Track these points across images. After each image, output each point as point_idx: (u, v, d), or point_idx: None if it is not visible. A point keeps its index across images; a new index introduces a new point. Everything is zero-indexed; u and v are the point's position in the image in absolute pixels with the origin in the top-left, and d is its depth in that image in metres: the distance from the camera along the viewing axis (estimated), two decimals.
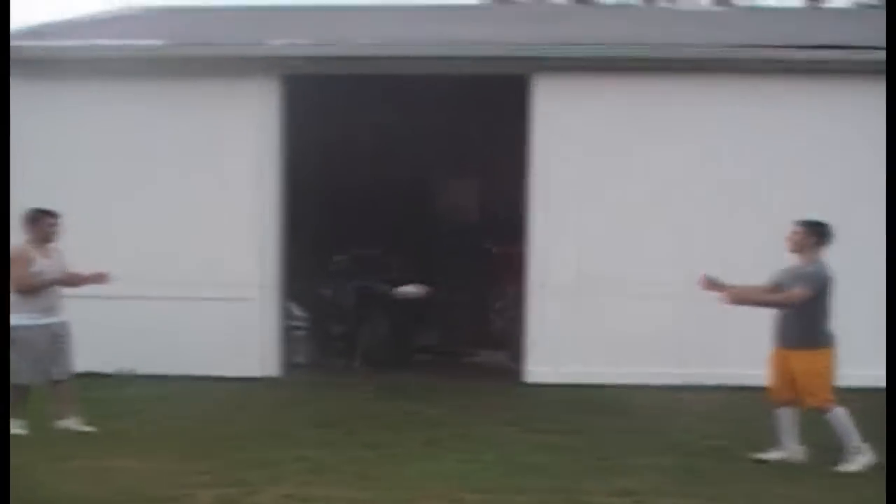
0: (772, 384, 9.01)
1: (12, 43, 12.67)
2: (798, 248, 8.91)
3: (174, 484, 7.87)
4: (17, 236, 9.89)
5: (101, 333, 11.44)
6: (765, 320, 9.02)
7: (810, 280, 8.67)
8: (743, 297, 9.02)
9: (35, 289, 9.61)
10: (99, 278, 9.90)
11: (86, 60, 13.21)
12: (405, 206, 17.03)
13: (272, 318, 13.43)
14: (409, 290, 14.70)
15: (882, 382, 9.51)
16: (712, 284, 8.97)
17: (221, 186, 13.21)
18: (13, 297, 9.63)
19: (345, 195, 16.47)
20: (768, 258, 9.23)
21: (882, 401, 8.90)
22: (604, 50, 13.20)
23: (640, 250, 12.88)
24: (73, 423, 9.78)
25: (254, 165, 13.25)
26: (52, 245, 9.87)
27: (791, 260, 8.96)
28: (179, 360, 12.65)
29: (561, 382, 12.49)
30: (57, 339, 9.81)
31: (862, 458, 8.58)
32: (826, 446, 8.70)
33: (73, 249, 10.02)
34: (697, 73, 13.00)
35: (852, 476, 8.38)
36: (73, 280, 9.92)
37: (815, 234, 8.90)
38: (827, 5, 24.63)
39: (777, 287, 8.95)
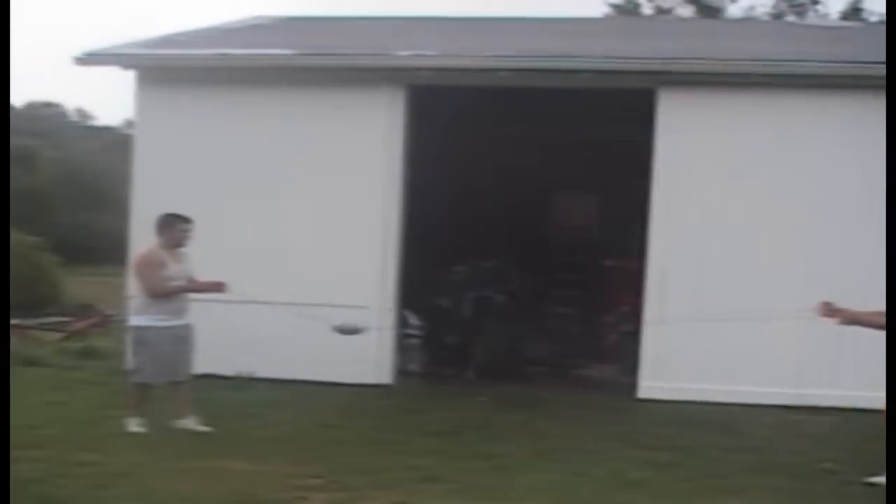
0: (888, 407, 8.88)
1: (146, 51, 13.09)
2: None
3: (286, 486, 8.02)
4: (148, 240, 10.17)
5: (222, 337, 11.66)
6: (884, 342, 8.90)
7: None
8: (856, 320, 8.91)
9: (164, 294, 9.89)
10: (217, 287, 10.17)
11: (216, 69, 13.52)
12: (525, 218, 17.09)
13: (389, 326, 13.56)
14: None
15: None
16: (828, 310, 8.86)
17: (345, 194, 13.36)
18: (142, 299, 9.93)
19: (466, 206, 16.58)
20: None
21: None
22: (729, 65, 13.06)
23: (760, 270, 12.73)
24: (190, 424, 10.00)
25: (378, 175, 13.38)
26: (182, 250, 10.13)
27: None
28: (297, 366, 12.89)
29: (674, 399, 12.41)
30: (181, 341, 10.07)
31: None
32: None
33: (200, 256, 10.28)
34: (822, 90, 12.81)
35: None
36: (195, 287, 10.19)
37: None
38: None
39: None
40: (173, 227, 10.04)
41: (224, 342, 11.88)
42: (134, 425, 9.86)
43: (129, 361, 10.33)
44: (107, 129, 49.28)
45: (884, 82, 11.89)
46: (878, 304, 8.98)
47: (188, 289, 10.13)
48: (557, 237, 17.84)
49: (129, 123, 15.40)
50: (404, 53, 13.58)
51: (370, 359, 13.27)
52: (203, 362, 10.46)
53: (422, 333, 14.56)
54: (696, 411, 11.90)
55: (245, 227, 13.24)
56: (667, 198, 12.95)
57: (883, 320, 8.84)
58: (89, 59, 13.71)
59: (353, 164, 13.41)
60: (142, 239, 10.83)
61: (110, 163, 33.56)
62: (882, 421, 8.85)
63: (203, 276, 10.20)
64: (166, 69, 13.60)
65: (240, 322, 12.19)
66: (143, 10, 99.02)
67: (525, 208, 17.21)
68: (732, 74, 12.97)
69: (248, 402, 11.69)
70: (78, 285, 24.56)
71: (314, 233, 13.37)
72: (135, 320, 10.10)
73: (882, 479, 8.71)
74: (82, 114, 70.60)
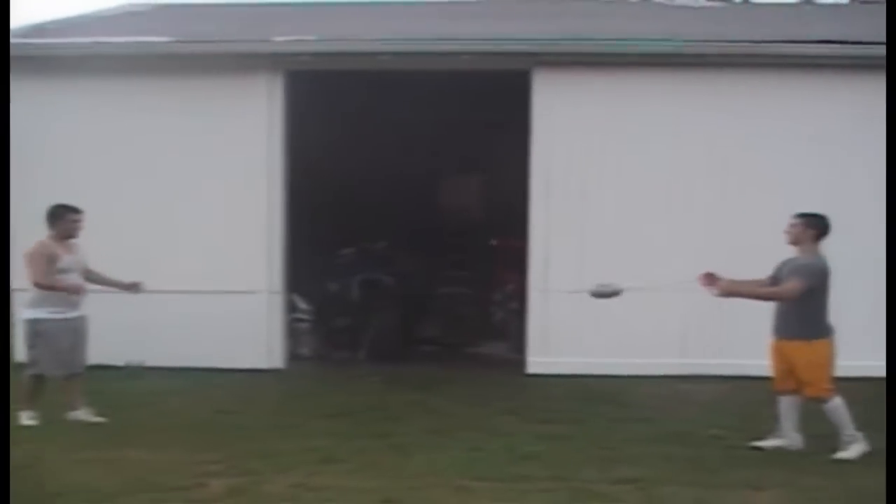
0: (774, 374, 9.15)
1: (16, 40, 12.82)
2: (797, 240, 9.02)
3: (185, 474, 8.03)
4: (37, 233, 10.03)
5: (110, 326, 11.52)
6: (767, 311, 9.18)
7: (805, 273, 8.79)
8: (735, 291, 9.12)
9: (51, 289, 9.77)
10: (132, 287, 10.25)
11: (91, 57, 13.26)
12: (410, 200, 17.18)
13: (278, 311, 13.58)
14: None
15: (878, 372, 9.71)
16: (710, 279, 9.06)
17: (228, 181, 13.31)
18: (35, 292, 9.80)
19: (350, 190, 16.61)
20: (772, 251, 9.34)
21: (877, 389, 9.09)
22: (603, 45, 13.25)
23: (641, 244, 12.97)
24: (84, 415, 9.94)
25: (260, 160, 13.36)
26: (74, 241, 10.03)
27: (791, 252, 9.10)
28: (187, 353, 12.82)
29: (563, 373, 12.63)
30: (77, 333, 10.00)
31: (857, 446, 8.74)
32: (826, 435, 8.86)
33: (86, 247, 10.18)
34: (696, 69, 13.10)
35: (848, 464, 8.53)
36: (109, 284, 10.19)
37: (814, 226, 9.00)
38: (820, 1, 24.61)
39: (775, 279, 9.10)
40: (64, 218, 9.93)
41: (113, 332, 11.73)
42: (26, 418, 9.76)
43: (24, 354, 10.18)
44: None
45: (750, 60, 12.43)
46: (759, 275, 9.27)
47: (100, 283, 10.17)
48: (444, 218, 17.95)
49: None
50: (282, 39, 13.50)
51: (262, 344, 13.30)
52: (93, 352, 10.36)
53: (311, 317, 14.60)
54: (585, 384, 12.13)
55: (130, 216, 13.11)
56: (546, 176, 13.14)
57: (762, 291, 9.13)
58: None
59: (235, 151, 13.35)
60: (26, 231, 10.66)
61: None
62: (768, 387, 9.21)
63: (93, 267, 10.16)
64: (39, 59, 13.32)
65: (129, 311, 12.05)
66: None
67: (411, 191, 17.28)
68: (607, 55, 13.17)
69: (141, 392, 11.63)
70: None
71: (200, 220, 13.29)
72: (29, 313, 9.94)
73: (767, 443, 9.04)
74: None
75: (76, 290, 9.85)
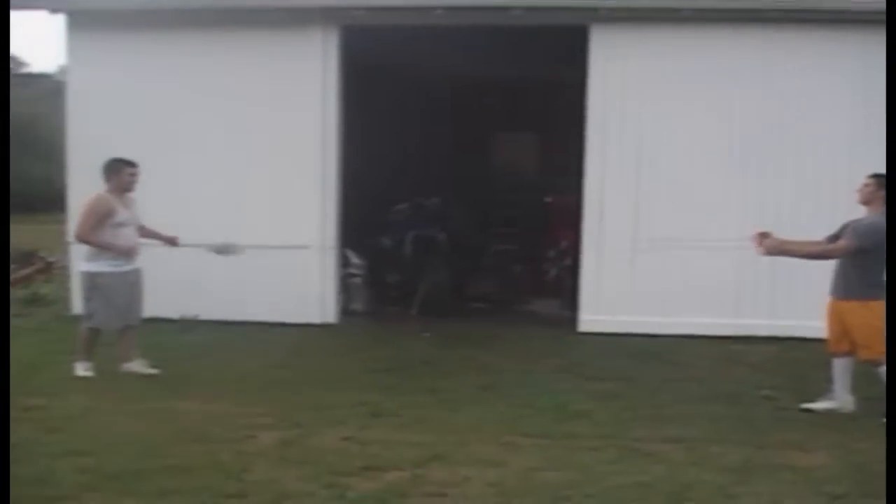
0: (829, 335, 9.09)
1: None
2: (867, 200, 8.91)
3: (236, 426, 8.12)
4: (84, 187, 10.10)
5: (165, 280, 11.59)
6: (819, 273, 9.12)
7: (861, 233, 8.69)
8: (783, 249, 9.08)
9: (95, 244, 9.86)
10: (171, 241, 10.31)
11: (146, 13, 13.29)
12: (464, 157, 17.16)
13: (331, 266, 13.62)
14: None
15: None
16: (763, 237, 9.00)
17: (283, 137, 13.34)
18: (93, 246, 9.87)
19: (406, 146, 16.60)
20: (830, 210, 9.23)
21: None
22: (660, 1, 13.14)
23: (696, 202, 12.90)
24: (138, 367, 10.05)
25: (315, 116, 13.36)
26: (130, 195, 10.10)
27: (861, 212, 8.98)
28: (241, 307, 12.97)
29: (615, 332, 12.63)
30: (133, 286, 10.09)
31: None
32: (877, 398, 8.74)
33: (140, 201, 10.26)
34: (753, 24, 12.87)
35: None
36: (149, 235, 10.24)
37: (887, 187, 8.89)
38: None
39: (834, 239, 8.99)
40: (120, 172, 9.97)
41: (167, 285, 11.81)
42: (82, 370, 9.88)
43: (82, 307, 10.29)
44: (41, 77, 48.17)
45: (809, 16, 12.19)
46: (810, 235, 9.19)
47: (143, 235, 10.19)
48: (498, 175, 17.93)
49: (63, 70, 15.11)
50: None
51: (314, 299, 13.36)
52: (148, 305, 10.45)
53: (364, 273, 14.63)
54: (636, 343, 12.14)
55: (183, 171, 13.16)
56: (601, 133, 13.06)
57: (814, 249, 9.04)
58: (15, 2, 13.47)
59: (289, 107, 13.36)
60: (78, 186, 10.71)
61: (44, 111, 32.99)
62: (820, 349, 9.13)
63: (145, 222, 10.24)
64: (95, 13, 13.39)
65: (182, 265, 12.14)
66: None
67: (466, 148, 17.27)
68: (663, 10, 13.01)
69: (195, 345, 11.75)
70: (14, 234, 24.27)
71: (253, 176, 13.34)
72: (87, 266, 10.02)
73: (818, 405, 8.98)
74: (15, 61, 69.27)
75: (123, 251, 9.94)
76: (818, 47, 12.78)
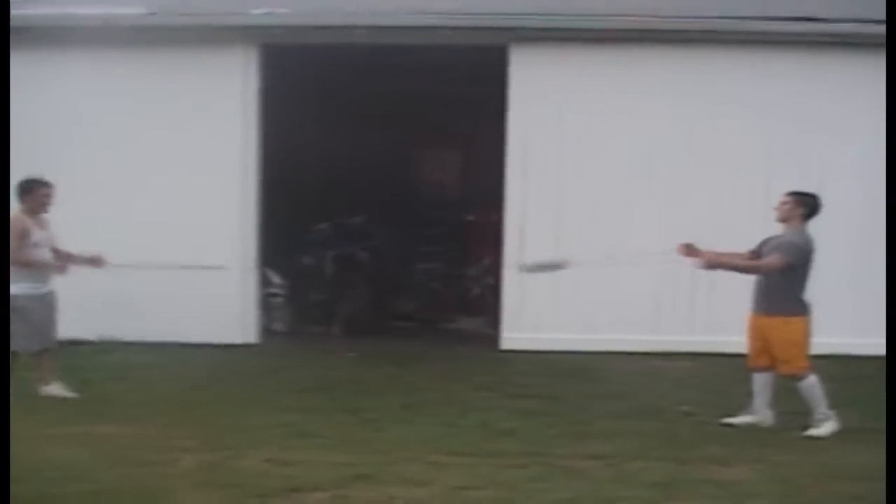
0: (749, 350, 9.18)
1: None
2: (785, 217, 9.04)
3: (157, 448, 7.99)
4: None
5: (83, 301, 11.46)
6: (740, 288, 9.22)
7: (789, 249, 8.81)
8: (718, 263, 9.16)
9: (29, 265, 9.70)
10: (94, 261, 10.10)
11: (63, 29, 13.12)
12: (386, 175, 17.15)
13: (251, 285, 13.55)
14: None
15: (851, 350, 9.77)
16: (689, 251, 9.08)
17: (202, 156, 13.22)
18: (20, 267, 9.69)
19: (325, 165, 16.55)
20: (748, 229, 9.36)
21: (849, 368, 9.14)
22: (580, 21, 13.15)
23: (617, 220, 13.00)
24: (57, 390, 9.89)
25: (235, 134, 13.30)
26: (45, 215, 9.94)
27: (778, 229, 9.11)
28: (160, 328, 12.75)
29: (538, 349, 12.67)
30: (49, 307, 9.93)
31: (829, 424, 8.78)
32: (797, 411, 8.91)
33: (56, 219, 10.08)
34: (675, 45, 13.05)
35: (818, 441, 8.59)
36: (70, 260, 10.06)
37: (804, 205, 9.00)
38: None
39: (756, 255, 9.10)
40: (35, 192, 9.82)
41: (87, 307, 11.69)
42: None
43: None
44: None
45: (733, 37, 12.41)
46: (729, 251, 9.29)
47: (63, 259, 10.00)
48: (420, 193, 17.94)
49: None
50: (257, 12, 13.39)
51: (235, 319, 13.26)
52: (67, 327, 10.31)
53: (286, 292, 14.56)
54: (559, 360, 12.19)
55: (102, 190, 12.97)
56: (523, 152, 13.14)
57: (743, 263, 9.15)
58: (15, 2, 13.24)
59: (208, 125, 13.27)
60: None
61: None
62: (739, 364, 9.23)
63: (62, 242, 10.07)
64: (15, 30, 13.21)
65: (99, 285, 11.97)
66: None
67: (387, 165, 17.26)
68: (583, 30, 13.11)
69: (115, 366, 11.60)
70: None
71: (172, 195, 13.17)
72: None
73: (739, 420, 9.08)
74: None
75: (52, 267, 9.79)
76: (734, 66, 12.95)
